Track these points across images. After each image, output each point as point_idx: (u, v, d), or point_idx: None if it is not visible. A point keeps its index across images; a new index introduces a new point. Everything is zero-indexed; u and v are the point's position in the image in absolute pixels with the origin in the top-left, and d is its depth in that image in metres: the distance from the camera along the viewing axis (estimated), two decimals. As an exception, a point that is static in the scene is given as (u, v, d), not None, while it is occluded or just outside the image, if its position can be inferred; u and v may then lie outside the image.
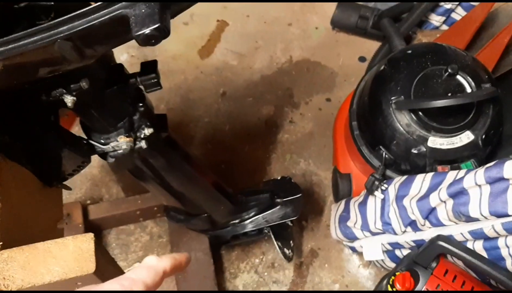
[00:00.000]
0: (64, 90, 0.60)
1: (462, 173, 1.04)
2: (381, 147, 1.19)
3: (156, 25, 0.40)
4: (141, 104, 0.75)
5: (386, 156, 1.19)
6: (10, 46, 0.42)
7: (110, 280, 0.45)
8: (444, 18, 1.58)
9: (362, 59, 1.75)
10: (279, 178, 1.26)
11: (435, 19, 1.59)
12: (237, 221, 1.18)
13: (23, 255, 0.57)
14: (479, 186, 0.98)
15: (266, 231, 1.25)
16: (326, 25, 1.79)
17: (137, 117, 0.75)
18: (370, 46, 1.73)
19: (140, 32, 0.40)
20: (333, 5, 1.77)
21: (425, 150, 1.12)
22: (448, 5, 1.53)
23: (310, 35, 1.79)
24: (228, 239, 1.30)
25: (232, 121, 1.61)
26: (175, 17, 0.47)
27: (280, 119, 1.63)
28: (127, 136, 0.74)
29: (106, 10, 0.41)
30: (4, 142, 0.64)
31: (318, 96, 1.67)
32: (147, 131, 0.76)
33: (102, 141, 0.75)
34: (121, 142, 0.74)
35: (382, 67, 1.22)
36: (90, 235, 0.58)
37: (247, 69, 1.71)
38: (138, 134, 0.76)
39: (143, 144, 0.76)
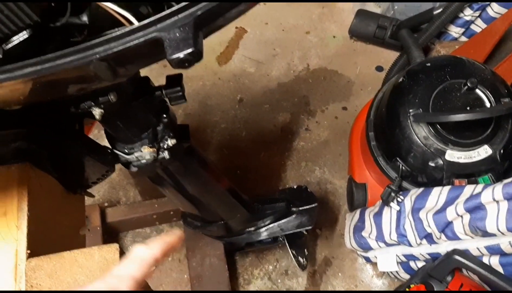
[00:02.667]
0: (92, 103, 0.61)
1: (479, 187, 1.04)
2: (398, 158, 1.20)
3: (190, 50, 0.41)
4: (165, 115, 0.76)
5: (403, 167, 1.19)
6: (46, 65, 0.44)
7: (98, 279, 0.43)
8: (463, 29, 1.58)
9: (379, 68, 1.75)
10: (295, 187, 1.27)
11: (454, 31, 1.58)
12: (252, 228, 1.19)
13: (50, 264, 0.59)
14: (497, 201, 0.98)
15: (280, 238, 1.26)
16: (344, 34, 1.80)
17: (160, 128, 0.77)
18: (388, 56, 1.73)
19: (174, 57, 0.41)
20: (351, 14, 1.78)
21: (442, 163, 1.12)
22: (467, 17, 1.53)
23: (327, 43, 1.80)
24: (243, 246, 1.31)
25: (248, 127, 1.62)
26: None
27: (296, 126, 1.63)
28: (150, 147, 0.75)
29: (141, 33, 0.43)
30: (32, 151, 0.66)
31: (334, 104, 1.67)
32: (170, 142, 0.77)
33: (126, 151, 0.76)
34: (145, 153, 0.75)
35: (400, 79, 1.22)
36: (115, 246, 0.59)
37: (264, 77, 1.72)
38: (161, 144, 0.77)
39: (166, 154, 0.77)
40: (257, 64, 1.75)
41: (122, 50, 0.43)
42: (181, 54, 0.41)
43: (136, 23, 0.46)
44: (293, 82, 1.72)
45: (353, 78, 1.72)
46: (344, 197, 1.49)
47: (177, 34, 0.42)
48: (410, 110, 1.16)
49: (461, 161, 1.12)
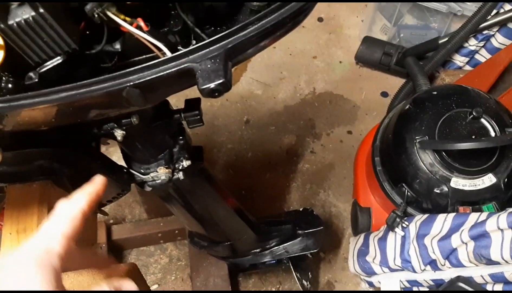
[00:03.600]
0: (115, 125, 0.63)
1: (484, 215, 1.06)
2: (403, 184, 1.21)
3: (221, 81, 0.43)
4: (181, 137, 0.78)
5: (408, 193, 1.21)
6: (82, 90, 0.46)
7: (30, 240, 0.42)
8: (467, 59, 1.61)
9: (384, 94, 1.78)
10: (301, 209, 1.28)
11: (459, 60, 1.62)
12: (258, 250, 1.20)
13: (68, 281, 0.60)
14: (501, 230, 0.99)
15: (285, 261, 1.27)
16: (350, 60, 1.83)
17: (176, 149, 0.79)
18: (393, 82, 1.76)
19: (205, 87, 0.43)
20: (358, 40, 1.81)
21: (447, 190, 1.14)
22: (472, 47, 1.56)
23: (334, 68, 1.83)
24: (247, 267, 1.31)
25: (254, 148, 1.64)
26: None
27: (301, 149, 1.65)
28: (166, 168, 0.77)
29: (174, 63, 0.45)
30: (54, 170, 0.68)
31: (339, 128, 1.69)
32: (185, 163, 0.79)
33: (142, 171, 0.78)
34: (160, 173, 0.77)
35: (407, 106, 1.25)
36: (133, 265, 0.61)
37: (271, 99, 1.75)
38: (176, 165, 0.79)
39: (180, 175, 0.79)
40: (264, 86, 1.77)
41: (155, 79, 0.45)
42: (212, 85, 0.43)
43: (169, 54, 0.48)
44: (299, 105, 1.75)
45: (358, 103, 1.75)
46: (348, 221, 1.50)
47: (208, 65, 0.44)
48: (417, 137, 1.18)
49: (466, 188, 1.14)
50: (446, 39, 1.55)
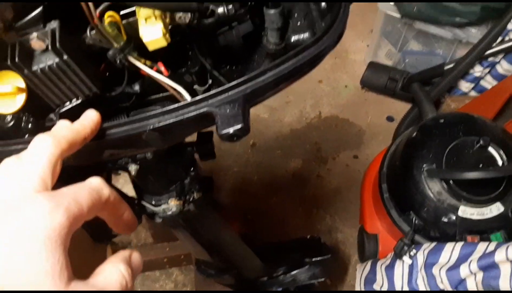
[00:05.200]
0: (130, 160, 0.64)
1: (492, 246, 1.05)
2: (411, 211, 1.21)
3: (240, 126, 0.44)
4: (192, 169, 0.79)
5: (416, 221, 1.21)
6: (101, 132, 0.46)
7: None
8: (473, 85, 1.62)
9: (390, 118, 1.79)
10: (308, 237, 1.28)
11: (464, 86, 1.63)
12: (265, 278, 1.19)
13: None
14: (510, 261, 0.99)
15: (291, 289, 1.26)
16: (356, 84, 1.84)
17: (188, 181, 0.79)
18: (398, 107, 1.77)
19: (224, 132, 0.44)
20: (363, 65, 1.83)
21: (455, 218, 1.14)
22: (477, 73, 1.57)
23: (339, 92, 1.84)
24: (254, 294, 1.30)
25: (260, 172, 1.64)
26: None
27: (307, 173, 1.66)
28: (177, 200, 0.77)
29: (193, 107, 0.45)
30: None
31: (345, 152, 1.70)
32: (196, 195, 0.79)
33: (153, 202, 0.78)
34: (172, 205, 0.77)
35: (414, 134, 1.25)
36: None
37: (277, 122, 1.76)
38: (187, 197, 0.79)
39: (191, 207, 0.79)
40: (270, 110, 1.78)
41: (175, 123, 0.46)
42: (231, 130, 0.44)
43: (188, 98, 0.49)
44: (305, 129, 1.75)
45: (364, 127, 1.75)
46: (355, 247, 1.49)
47: (228, 110, 0.45)
48: (424, 165, 1.18)
49: (474, 217, 1.14)
50: (452, 65, 1.56)
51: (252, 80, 0.45)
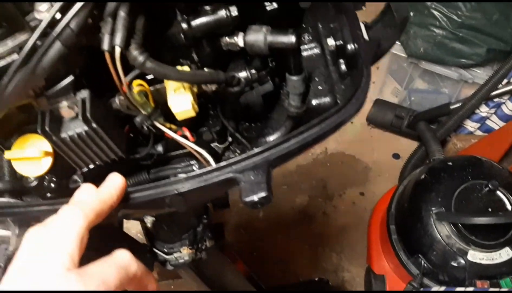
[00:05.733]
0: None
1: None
2: (419, 255, 1.20)
3: (264, 194, 0.44)
4: (205, 216, 0.79)
5: (425, 264, 1.20)
6: (126, 196, 0.46)
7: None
8: (479, 124, 1.63)
9: (396, 156, 1.79)
10: (316, 279, 1.26)
11: (470, 125, 1.64)
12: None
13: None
14: (522, 309, 0.98)
15: (299, 331, 1.24)
16: (362, 121, 1.86)
17: (200, 229, 0.79)
18: (404, 144, 1.78)
19: (249, 199, 0.44)
20: (369, 102, 1.84)
21: (464, 263, 1.13)
22: (483, 113, 1.58)
23: (345, 129, 1.85)
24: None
25: (266, 208, 1.64)
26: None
27: (313, 210, 1.65)
28: (190, 248, 0.77)
29: (217, 173, 0.46)
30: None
31: (351, 189, 1.70)
32: (209, 243, 0.79)
33: (166, 250, 0.78)
34: (184, 254, 0.77)
35: (423, 176, 1.26)
36: None
37: (284, 158, 1.76)
38: (199, 245, 0.79)
39: (203, 255, 0.79)
40: (277, 145, 1.79)
41: (199, 187, 0.46)
42: (255, 198, 0.44)
43: (213, 163, 0.49)
44: (312, 165, 1.76)
45: (370, 164, 1.76)
46: (362, 287, 1.48)
47: (252, 177, 0.45)
48: (433, 208, 1.18)
49: (483, 262, 1.13)
50: (458, 105, 1.58)
51: (277, 147, 0.46)
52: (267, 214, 1.63)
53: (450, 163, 1.25)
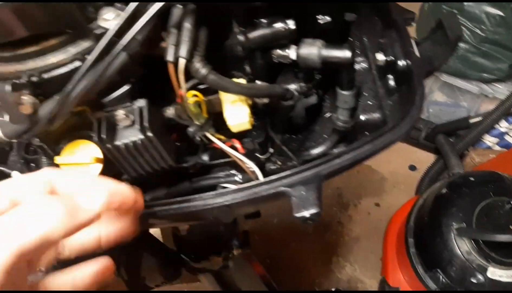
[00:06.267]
0: (181, 220, 0.63)
1: (524, 311, 1.03)
2: (438, 269, 1.19)
3: (316, 211, 0.43)
4: (233, 225, 0.78)
5: (443, 279, 1.19)
6: (174, 206, 0.46)
7: None
8: (497, 140, 1.62)
9: (412, 167, 1.78)
10: (333, 290, 1.26)
11: (489, 140, 1.63)
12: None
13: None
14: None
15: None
16: (379, 131, 1.85)
17: (229, 237, 0.78)
18: (421, 156, 1.77)
19: (300, 215, 0.44)
20: (387, 112, 1.83)
21: (483, 280, 1.12)
22: (503, 129, 1.58)
23: (362, 138, 1.85)
24: None
25: (281, 215, 1.63)
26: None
27: (328, 218, 1.64)
28: (218, 256, 0.77)
29: (267, 187, 0.45)
30: (111, 257, 0.67)
31: (367, 199, 1.69)
32: (236, 252, 0.79)
33: (194, 257, 0.78)
34: (212, 262, 0.76)
35: (444, 191, 1.25)
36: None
37: (299, 165, 1.76)
38: (227, 253, 0.79)
39: (230, 264, 0.79)
40: (293, 152, 1.79)
41: (247, 200, 0.46)
42: (306, 214, 0.44)
43: (261, 177, 0.49)
44: (327, 173, 1.75)
45: (386, 175, 1.75)
46: (375, 299, 1.47)
47: (303, 192, 0.45)
48: (454, 223, 1.17)
49: (503, 279, 1.12)
50: (478, 119, 1.57)
51: (329, 162, 0.45)
52: (281, 220, 1.62)
53: (471, 178, 1.24)
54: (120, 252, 0.68)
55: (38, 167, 0.60)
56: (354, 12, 0.55)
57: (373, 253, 1.57)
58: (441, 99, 1.77)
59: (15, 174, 0.59)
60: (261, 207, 0.51)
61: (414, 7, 1.60)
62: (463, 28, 1.54)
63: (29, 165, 0.62)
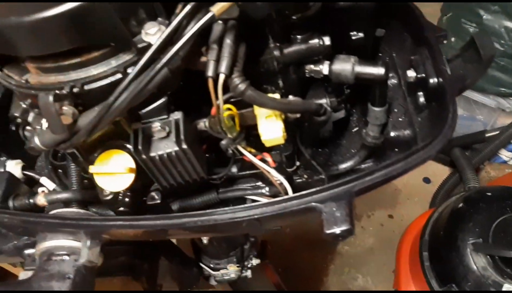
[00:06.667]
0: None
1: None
2: (453, 284, 1.18)
3: (347, 227, 0.43)
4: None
5: (458, 295, 1.18)
6: (203, 218, 0.46)
7: None
8: (514, 154, 1.61)
9: (426, 180, 1.78)
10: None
11: (505, 154, 1.62)
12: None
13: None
14: None
15: None
16: (393, 142, 1.84)
17: (247, 247, 0.79)
18: (435, 168, 1.76)
19: (331, 232, 0.44)
20: (402, 123, 1.83)
21: (500, 296, 1.11)
22: (520, 144, 1.57)
23: (376, 149, 1.84)
24: None
25: (293, 224, 1.63)
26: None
27: (340, 229, 1.63)
28: (236, 266, 0.77)
29: (297, 201, 0.45)
30: (133, 266, 0.68)
31: (380, 211, 1.68)
32: (254, 261, 0.79)
33: (212, 266, 0.78)
34: (230, 271, 0.77)
35: (460, 205, 1.24)
36: None
37: (313, 175, 1.75)
38: (245, 263, 0.79)
39: (248, 274, 0.79)
40: (306, 161, 1.78)
41: (277, 214, 0.46)
42: (337, 230, 0.44)
43: (290, 191, 0.49)
44: (340, 183, 1.74)
45: (400, 186, 1.74)
46: (387, 311, 1.46)
47: (334, 208, 0.45)
48: (470, 239, 1.16)
49: (519, 296, 1.11)
50: (494, 133, 1.56)
51: (360, 179, 0.45)
52: (294, 230, 1.62)
53: (488, 193, 1.23)
54: (143, 260, 0.69)
55: (65, 173, 0.61)
56: (385, 28, 0.56)
57: (386, 265, 1.56)
58: (457, 112, 1.76)
59: (43, 180, 0.59)
60: (290, 221, 0.51)
61: (433, 19, 1.60)
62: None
63: (56, 170, 0.63)
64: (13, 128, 0.53)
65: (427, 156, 0.46)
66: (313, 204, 0.45)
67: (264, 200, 0.47)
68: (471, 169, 1.49)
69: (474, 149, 1.62)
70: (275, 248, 1.57)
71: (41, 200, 0.55)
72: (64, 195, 0.55)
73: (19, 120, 0.45)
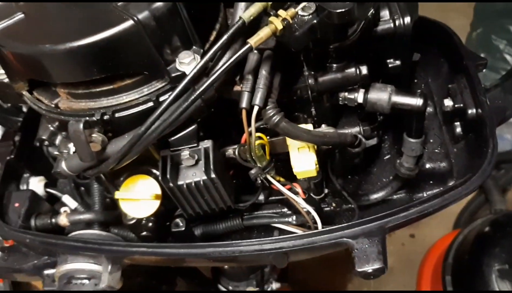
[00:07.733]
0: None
1: None
2: (477, 311, 1.15)
3: (379, 266, 0.42)
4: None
5: (482, 322, 1.14)
6: (228, 248, 0.45)
7: None
8: (543, 176, 1.56)
9: (449, 199, 1.73)
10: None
11: (533, 176, 1.57)
12: None
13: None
14: None
15: None
16: (417, 159, 1.80)
17: (268, 270, 0.77)
18: (459, 188, 1.71)
19: (362, 270, 0.42)
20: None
21: (526, 326, 1.07)
22: (549, 166, 1.52)
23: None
24: None
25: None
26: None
27: (359, 246, 1.60)
28: (256, 289, 0.75)
29: (328, 236, 0.44)
30: (151, 286, 0.67)
31: (402, 230, 1.63)
32: (275, 285, 0.77)
33: (231, 288, 0.76)
34: (251, 294, 0.75)
35: (486, 229, 1.20)
36: None
37: (333, 190, 1.72)
38: (265, 287, 0.77)
39: (268, 297, 0.77)
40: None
41: (306, 248, 0.44)
42: (369, 269, 0.42)
43: (320, 224, 0.47)
44: (361, 199, 1.71)
45: (422, 205, 1.70)
46: (407, 334, 1.42)
47: (366, 244, 0.43)
48: (496, 264, 1.12)
49: (546, 326, 1.07)
50: (523, 155, 1.51)
51: (395, 215, 0.43)
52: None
53: (517, 218, 1.20)
54: (160, 281, 0.68)
55: (88, 190, 0.60)
56: (421, 53, 0.54)
57: (406, 286, 1.52)
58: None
59: (66, 198, 0.59)
60: (318, 254, 0.49)
61: (462, 33, 1.57)
62: None
63: (79, 188, 0.62)
64: (37, 144, 0.53)
65: (465, 192, 0.43)
66: (344, 239, 0.43)
67: (290, 229, 0.45)
68: (498, 190, 1.45)
69: (502, 169, 1.57)
70: (294, 265, 1.54)
71: (63, 220, 0.54)
72: (87, 216, 0.54)
73: (46, 143, 0.44)
